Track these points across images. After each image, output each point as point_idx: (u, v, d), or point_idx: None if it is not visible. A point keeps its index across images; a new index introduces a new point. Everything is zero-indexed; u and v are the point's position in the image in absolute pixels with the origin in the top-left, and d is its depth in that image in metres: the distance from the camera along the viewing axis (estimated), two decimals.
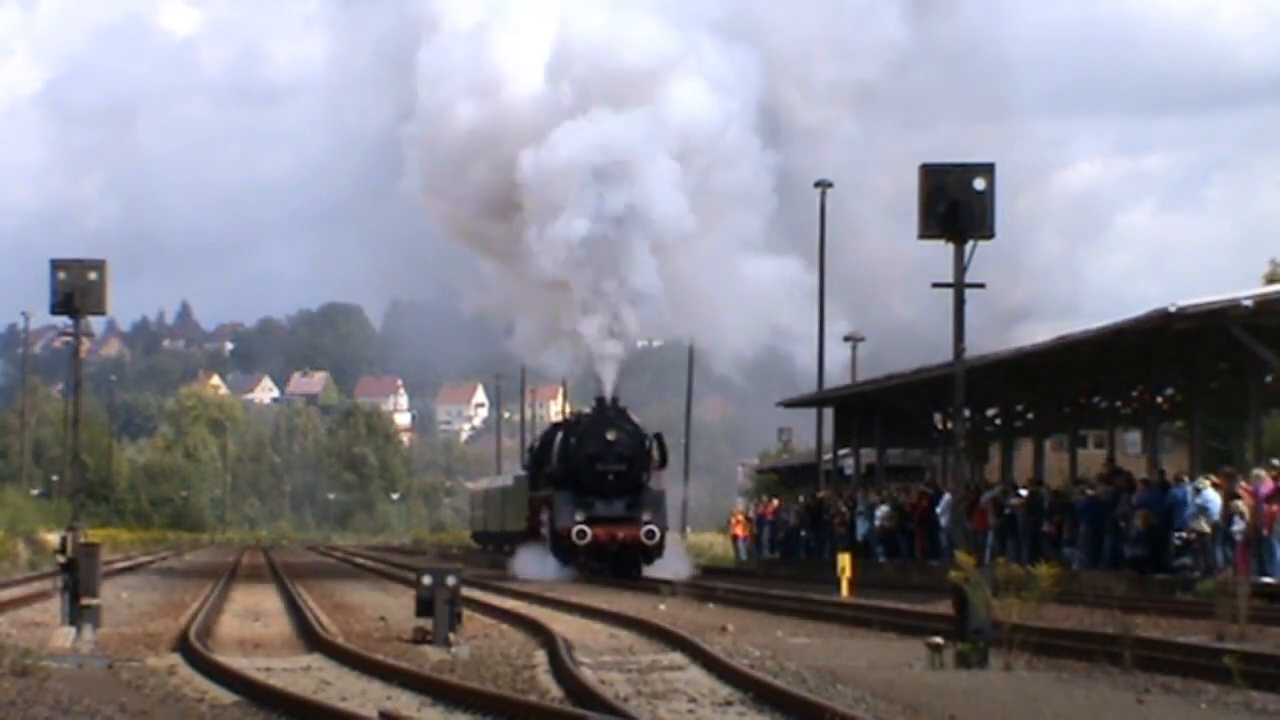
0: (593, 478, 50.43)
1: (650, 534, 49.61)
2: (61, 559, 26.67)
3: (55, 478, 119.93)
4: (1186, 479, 38.08)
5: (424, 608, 24.49)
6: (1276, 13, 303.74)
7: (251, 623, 31.19)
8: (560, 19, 53.94)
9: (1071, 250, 79.64)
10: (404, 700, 17.74)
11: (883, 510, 51.66)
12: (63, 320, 28.11)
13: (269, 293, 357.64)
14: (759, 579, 50.09)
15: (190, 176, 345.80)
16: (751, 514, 66.69)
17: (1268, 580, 33.04)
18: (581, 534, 49.37)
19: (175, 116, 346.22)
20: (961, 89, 61.30)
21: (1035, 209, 65.99)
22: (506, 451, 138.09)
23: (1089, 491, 41.23)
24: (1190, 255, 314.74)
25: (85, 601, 25.98)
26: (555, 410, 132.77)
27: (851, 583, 37.98)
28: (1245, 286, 38.90)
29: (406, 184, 58.26)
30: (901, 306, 59.88)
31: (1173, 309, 34.65)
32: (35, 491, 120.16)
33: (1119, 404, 47.91)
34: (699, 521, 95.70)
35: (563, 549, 50.03)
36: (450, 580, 24.29)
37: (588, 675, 19.08)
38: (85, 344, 29.34)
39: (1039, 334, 46.47)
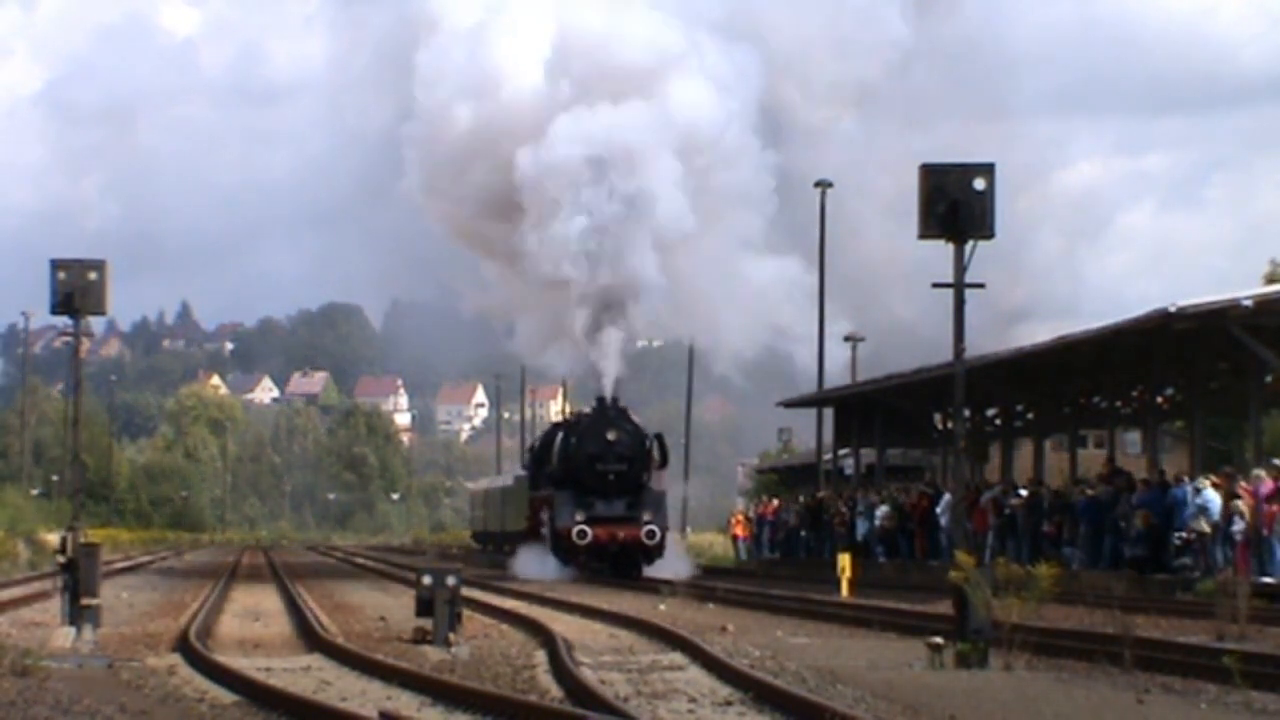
0: (593, 478, 50.42)
1: (651, 534, 49.59)
2: (61, 559, 26.67)
3: (55, 478, 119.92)
4: (1186, 479, 38.08)
5: (424, 608, 24.49)
6: (1276, 13, 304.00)
7: (251, 623, 31.19)
8: (559, 18, 53.92)
9: (1071, 250, 79.67)
10: (404, 700, 17.73)
11: (883, 510, 51.65)
12: (63, 320, 28.11)
13: (269, 293, 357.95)
14: (759, 579, 50.08)
15: (190, 176, 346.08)
16: (751, 514, 66.69)
17: (1268, 580, 33.04)
18: (582, 534, 49.35)
19: (175, 116, 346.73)
20: (962, 89, 61.34)
21: (1035, 209, 66.03)
22: (506, 451, 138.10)
23: (1089, 491, 41.23)
24: (1190, 255, 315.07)
25: (85, 601, 25.98)
26: (555, 410, 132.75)
27: (851, 583, 37.97)
28: (1245, 286, 38.92)
29: (406, 184, 58.34)
30: (901, 306, 59.91)
31: (1173, 309, 34.65)
32: (35, 491, 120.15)
33: (1119, 404, 47.90)
34: (699, 521, 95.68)
35: (563, 549, 50.01)
36: (450, 580, 24.29)
37: (588, 675, 19.07)
38: (85, 344, 29.34)
39: (1039, 334, 46.50)
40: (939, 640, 20.84)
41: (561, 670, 19.71)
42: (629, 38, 52.27)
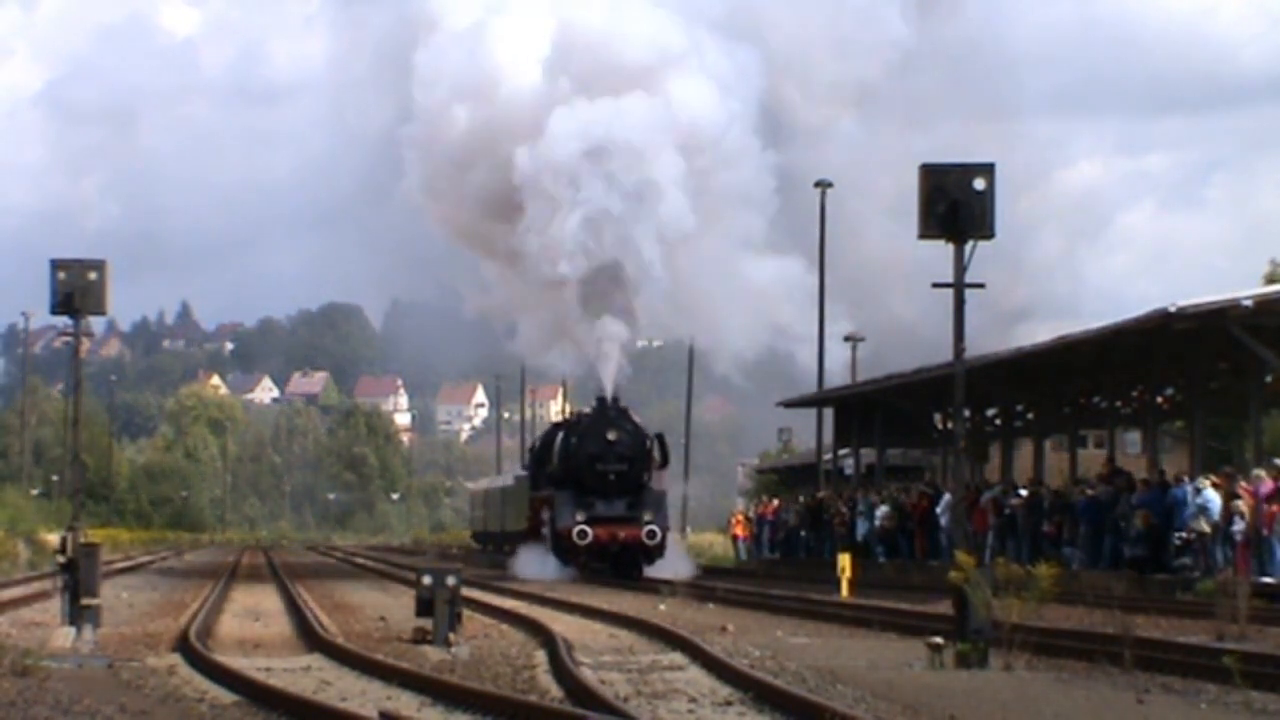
0: (593, 478, 50.38)
1: (651, 534, 49.55)
2: (61, 559, 26.67)
3: (55, 478, 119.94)
4: (1186, 479, 38.08)
5: (424, 608, 24.49)
6: (1276, 13, 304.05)
7: (251, 623, 31.19)
8: (559, 15, 53.81)
9: (1071, 250, 79.68)
10: (404, 700, 17.73)
11: (883, 510, 51.64)
12: (63, 320, 28.10)
13: (269, 293, 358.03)
14: (759, 579, 50.08)
15: (191, 176, 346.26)
16: (751, 514, 66.68)
17: (1268, 580, 33.04)
18: (582, 534, 49.31)
19: (176, 116, 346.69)
20: (962, 89, 61.32)
21: (1036, 209, 66.02)
22: (506, 451, 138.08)
23: (1089, 491, 41.23)
24: (1190, 255, 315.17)
25: (85, 601, 25.97)
26: (555, 410, 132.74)
27: (851, 583, 37.97)
28: (1245, 286, 38.92)
29: (406, 186, 58.33)
30: (902, 306, 59.90)
31: (1173, 309, 34.65)
32: (35, 491, 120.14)
33: (1119, 404, 47.91)
34: (699, 521, 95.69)
35: (563, 549, 49.98)
36: (450, 580, 24.29)
37: (588, 675, 19.07)
38: (85, 344, 29.33)
39: (1039, 334, 46.51)
40: (939, 640, 20.84)
41: (561, 670, 19.71)
42: (629, 35, 52.22)
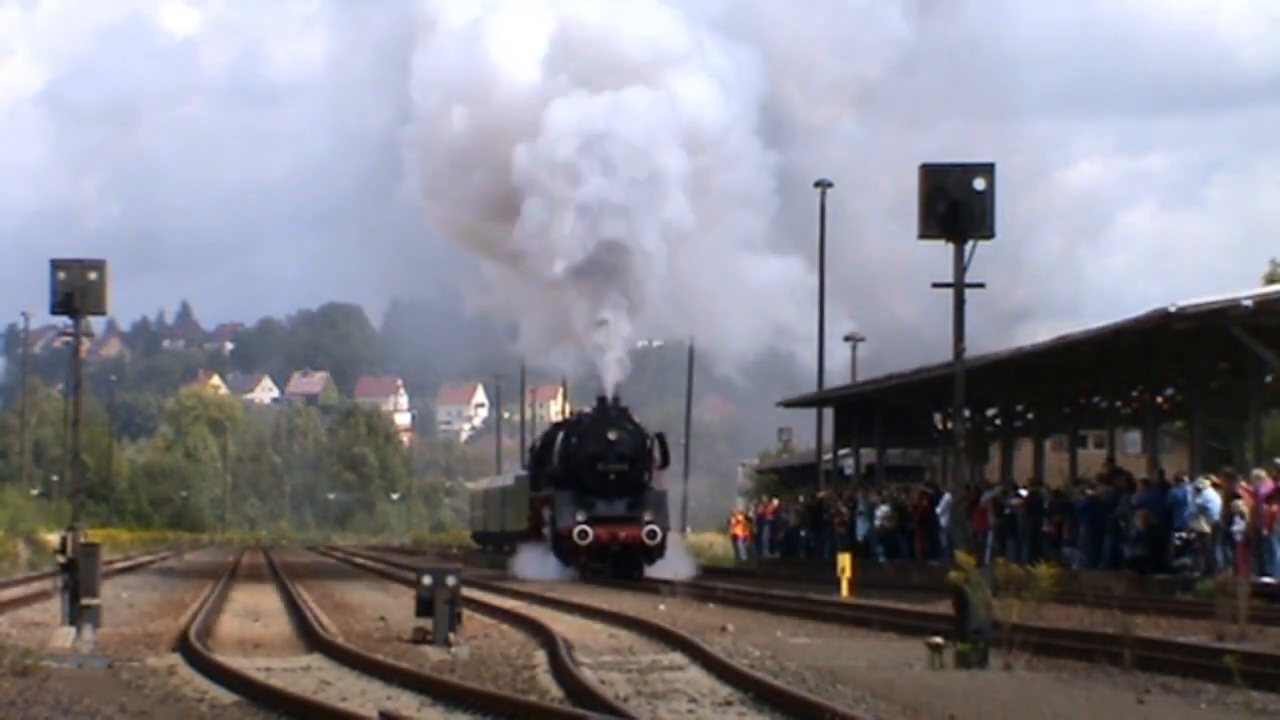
0: (594, 477, 50.34)
1: (652, 534, 49.51)
2: (61, 559, 26.67)
3: (55, 478, 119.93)
4: (1186, 479, 38.08)
5: (424, 608, 24.49)
6: (1276, 13, 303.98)
7: (251, 623, 31.19)
8: (559, 12, 53.67)
9: (1072, 250, 79.64)
10: (404, 700, 17.73)
11: (883, 510, 51.63)
12: (63, 320, 28.11)
13: (269, 293, 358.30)
14: (759, 579, 50.06)
15: (191, 176, 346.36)
16: (751, 514, 66.68)
17: (1268, 580, 33.04)
18: (583, 534, 49.27)
19: (176, 116, 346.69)
20: (963, 89, 61.31)
21: (1036, 209, 66.00)
22: (506, 451, 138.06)
23: (1089, 491, 41.23)
24: (1190, 255, 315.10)
25: (85, 601, 25.97)
26: (555, 410, 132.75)
27: (851, 583, 37.97)
28: (1245, 286, 38.92)
29: (406, 187, 58.28)
30: (902, 306, 59.92)
31: (1173, 309, 34.65)
32: (35, 491, 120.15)
33: (1119, 404, 47.91)
34: (699, 521, 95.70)
35: (564, 549, 49.93)
36: (450, 580, 24.30)
37: (588, 675, 19.08)
38: (85, 344, 29.34)
39: (1039, 334, 46.55)
40: (939, 640, 20.84)
41: (561, 670, 19.71)
42: (629, 33, 52.10)
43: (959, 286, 22.25)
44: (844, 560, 38.92)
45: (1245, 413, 41.76)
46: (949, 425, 50.58)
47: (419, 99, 55.59)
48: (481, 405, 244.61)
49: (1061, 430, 52.58)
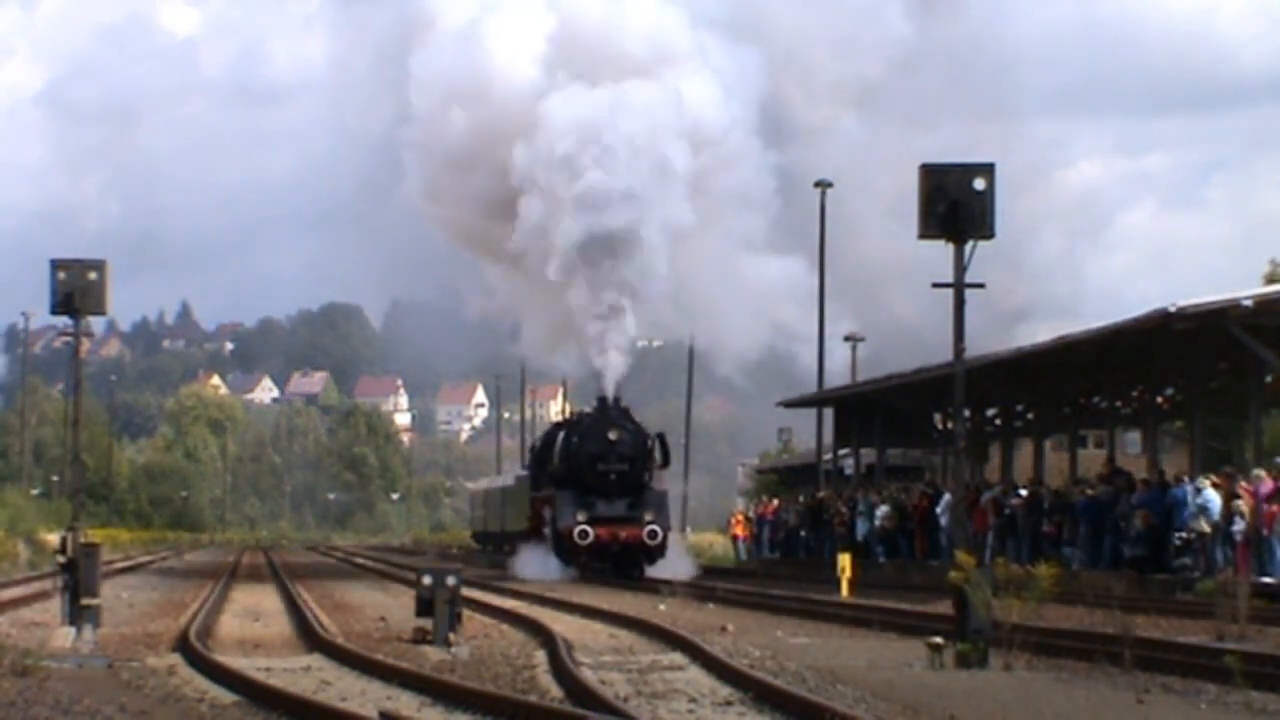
0: (595, 477, 50.30)
1: (653, 534, 49.48)
2: (61, 559, 26.67)
3: (55, 478, 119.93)
4: (1186, 479, 38.08)
5: (424, 608, 24.50)
6: (1276, 13, 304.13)
7: (251, 623, 31.19)
8: (559, 9, 53.57)
9: (1072, 250, 79.66)
10: (404, 700, 17.74)
11: (883, 510, 51.63)
12: (63, 320, 28.11)
13: (269, 293, 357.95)
14: (759, 579, 50.05)
15: (191, 176, 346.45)
16: (751, 514, 66.68)
17: (1268, 580, 33.04)
18: (584, 534, 49.24)
19: (176, 116, 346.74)
20: (963, 89, 61.32)
21: (1036, 209, 66.00)
22: (506, 451, 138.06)
23: (1089, 491, 41.23)
24: (1190, 255, 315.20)
25: (85, 601, 25.97)
26: (555, 410, 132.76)
27: (851, 583, 37.97)
28: (1245, 286, 38.92)
29: (407, 189, 58.24)
30: (902, 306, 59.92)
31: (1173, 309, 34.66)
32: (35, 491, 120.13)
33: (1119, 404, 47.91)
34: (699, 521, 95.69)
35: (564, 549, 49.90)
36: (450, 580, 24.30)
37: (588, 675, 19.08)
38: (85, 344, 29.34)
39: (1039, 334, 46.54)
40: (939, 640, 20.84)
41: (561, 670, 19.71)
42: (631, 31, 52.02)
43: (959, 286, 22.25)
44: (844, 560, 38.92)
45: (1245, 413, 41.76)
46: (949, 425, 50.58)
47: (417, 100, 55.57)
48: (481, 405, 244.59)
49: (1061, 430, 52.57)
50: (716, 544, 75.84)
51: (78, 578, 26.13)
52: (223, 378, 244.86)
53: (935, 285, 22.80)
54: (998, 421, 53.79)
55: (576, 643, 23.60)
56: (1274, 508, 34.30)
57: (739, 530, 66.04)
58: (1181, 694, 18.00)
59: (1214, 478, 36.80)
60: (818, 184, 62.80)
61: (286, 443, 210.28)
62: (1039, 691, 18.14)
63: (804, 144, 60.12)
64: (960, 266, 22.18)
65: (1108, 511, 39.83)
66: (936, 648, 20.66)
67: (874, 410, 56.67)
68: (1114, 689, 18.41)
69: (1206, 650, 20.18)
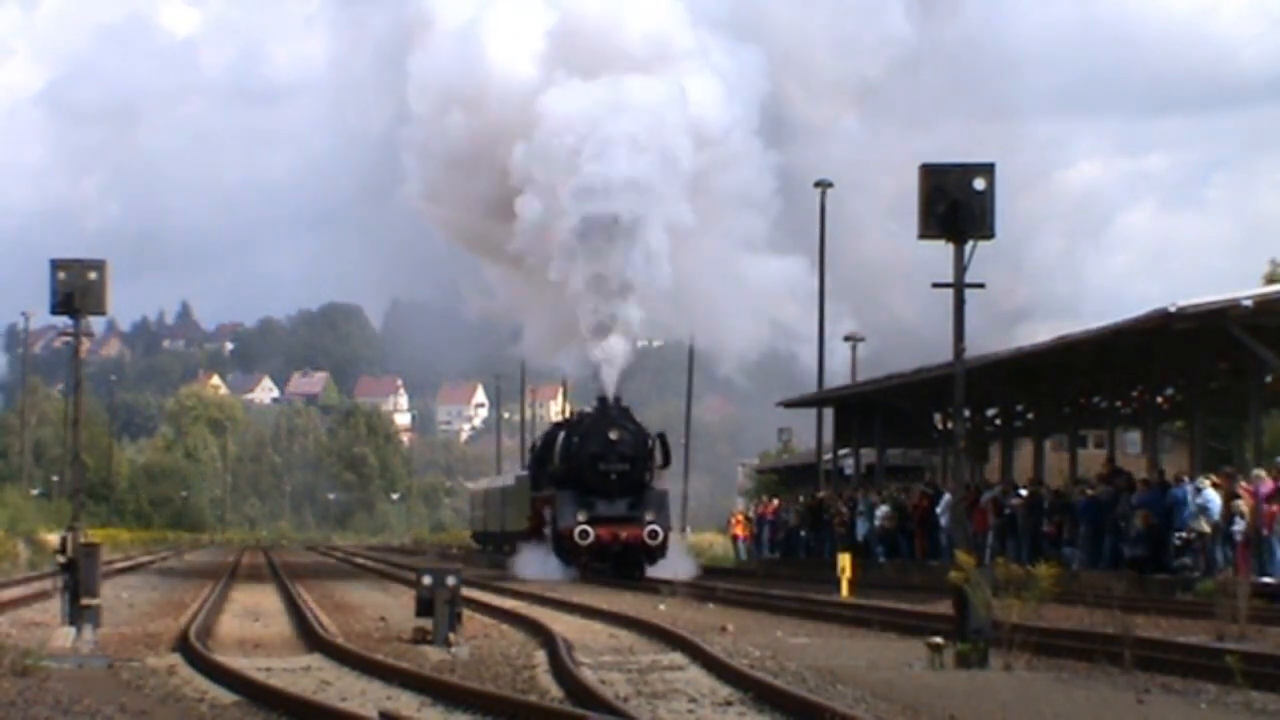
0: (595, 477, 50.27)
1: (653, 534, 49.46)
2: (61, 559, 26.66)
3: (55, 478, 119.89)
4: (1186, 479, 38.09)
5: (424, 608, 24.49)
6: (1276, 13, 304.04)
7: (251, 623, 31.18)
8: (558, 8, 53.48)
9: (1072, 250, 79.67)
10: (404, 700, 17.73)
11: (883, 510, 51.63)
12: (63, 320, 28.11)
13: (269, 293, 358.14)
14: (759, 579, 50.05)
15: (191, 176, 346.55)
16: (751, 514, 66.68)
17: (1268, 580, 33.04)
18: (584, 534, 49.22)
19: (176, 116, 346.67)
20: (964, 88, 61.35)
21: (1036, 209, 66.02)
22: (507, 451, 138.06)
23: (1089, 491, 41.23)
24: (1190, 255, 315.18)
25: (85, 601, 25.96)
26: (555, 410, 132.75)
27: (851, 583, 37.97)
28: (1245, 286, 38.93)
29: (407, 190, 58.20)
30: (902, 306, 59.92)
31: (1173, 309, 34.66)
32: (35, 491, 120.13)
33: (1119, 404, 47.91)
34: (699, 521, 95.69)
35: (565, 549, 49.87)
36: (450, 580, 24.30)
37: (588, 675, 19.08)
38: (85, 344, 29.34)
39: (1039, 334, 46.55)
40: (939, 640, 20.84)
41: (561, 670, 19.71)
42: (631, 29, 51.94)
43: (959, 286, 22.25)
44: (844, 560, 38.92)
45: (1245, 413, 41.77)
46: (949, 425, 50.58)
47: (417, 101, 55.50)
48: (481, 405, 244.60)
49: (1061, 430, 52.57)
50: (716, 544, 75.84)
51: (78, 578, 26.12)
52: (223, 378, 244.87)
53: (935, 285, 22.80)
54: (998, 421, 53.79)
55: (576, 643, 23.60)
56: (1274, 508, 34.30)
57: (739, 530, 66.04)
58: (1181, 694, 18.00)
59: (1214, 478, 36.80)
60: (818, 184, 62.80)
61: (286, 443, 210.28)
62: (1039, 691, 18.14)
63: (804, 144, 60.18)
64: (960, 266, 22.18)
65: (1108, 511, 39.83)
66: (936, 648, 20.66)
67: (874, 410, 56.68)
68: (1114, 689, 18.41)
69: (1207, 650, 20.18)
